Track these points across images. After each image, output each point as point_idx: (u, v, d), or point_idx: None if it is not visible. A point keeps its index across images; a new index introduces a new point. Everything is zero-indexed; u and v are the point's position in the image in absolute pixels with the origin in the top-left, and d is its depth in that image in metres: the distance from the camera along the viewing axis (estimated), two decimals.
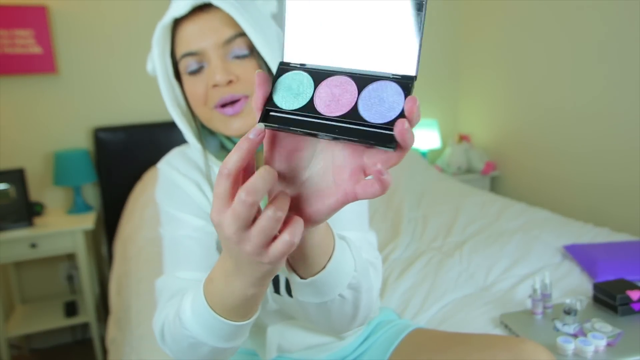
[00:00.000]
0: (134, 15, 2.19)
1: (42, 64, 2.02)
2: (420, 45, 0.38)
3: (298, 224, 0.39)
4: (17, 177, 1.92)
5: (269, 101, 0.41)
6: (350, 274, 0.55)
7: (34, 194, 2.14)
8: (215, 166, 0.78)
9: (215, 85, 0.70)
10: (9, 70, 1.98)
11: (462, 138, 2.93)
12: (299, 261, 0.50)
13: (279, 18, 0.66)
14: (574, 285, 1.38)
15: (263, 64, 0.72)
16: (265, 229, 0.38)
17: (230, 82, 0.70)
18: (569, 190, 2.36)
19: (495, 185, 2.86)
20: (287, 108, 0.40)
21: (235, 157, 0.38)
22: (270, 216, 0.38)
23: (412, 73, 0.38)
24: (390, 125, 0.36)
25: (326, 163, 0.41)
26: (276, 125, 0.40)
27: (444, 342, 0.83)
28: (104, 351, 2.01)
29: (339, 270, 0.53)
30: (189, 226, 0.75)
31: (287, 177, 0.42)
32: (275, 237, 0.40)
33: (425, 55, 2.88)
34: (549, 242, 1.66)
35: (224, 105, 0.71)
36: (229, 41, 0.70)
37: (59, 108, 2.14)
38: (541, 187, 2.52)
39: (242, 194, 0.37)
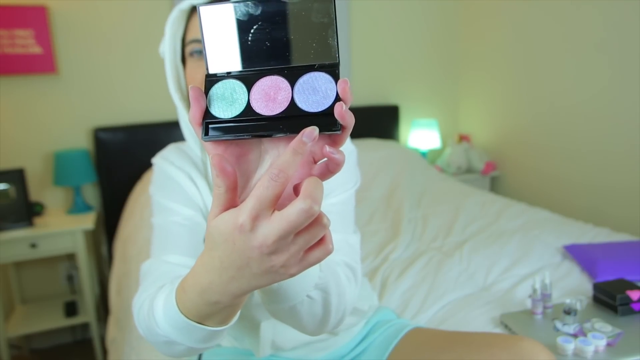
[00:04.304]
0: (134, 15, 2.19)
1: (42, 64, 2.02)
2: (337, 33, 0.40)
3: (328, 234, 0.40)
4: (17, 177, 1.92)
5: (206, 115, 0.41)
6: (315, 273, 0.55)
7: (34, 194, 2.14)
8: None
9: None
10: (9, 70, 1.98)
11: (462, 138, 2.93)
12: None
13: None
14: (574, 285, 1.38)
15: None
16: (317, 234, 0.38)
17: None
18: (569, 190, 2.36)
19: (495, 185, 2.86)
20: (226, 117, 0.41)
21: (292, 161, 0.36)
22: (326, 224, 0.38)
23: (335, 60, 0.40)
24: (329, 110, 0.39)
25: (274, 160, 0.42)
26: (223, 137, 0.40)
27: (443, 341, 0.83)
28: (104, 351, 2.01)
29: (300, 276, 0.53)
30: (180, 214, 0.77)
31: (240, 184, 0.42)
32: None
33: (425, 55, 2.89)
34: (549, 242, 1.66)
35: None
36: None
37: (59, 108, 2.14)
38: (541, 187, 2.52)
39: (306, 201, 0.35)
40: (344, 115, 0.38)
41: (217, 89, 0.42)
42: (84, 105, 2.18)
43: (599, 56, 2.14)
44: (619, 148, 2.09)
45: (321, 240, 0.40)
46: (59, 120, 2.14)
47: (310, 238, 0.38)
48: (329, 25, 0.40)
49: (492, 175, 2.79)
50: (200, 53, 0.74)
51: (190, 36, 0.75)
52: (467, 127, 3.04)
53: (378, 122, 2.74)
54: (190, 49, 0.75)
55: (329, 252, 0.40)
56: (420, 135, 2.78)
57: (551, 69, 2.39)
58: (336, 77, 0.40)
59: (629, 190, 2.06)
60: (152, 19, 2.22)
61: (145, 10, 2.21)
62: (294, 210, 0.35)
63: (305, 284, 0.54)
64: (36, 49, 2.00)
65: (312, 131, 0.37)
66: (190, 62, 0.76)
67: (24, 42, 1.98)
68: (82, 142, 2.19)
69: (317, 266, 0.55)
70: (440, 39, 2.92)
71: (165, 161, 0.82)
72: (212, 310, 0.47)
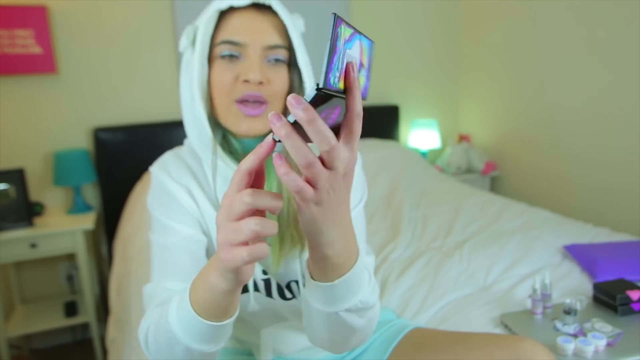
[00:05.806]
0: (134, 15, 2.19)
1: (42, 64, 2.02)
2: (329, 59, 0.40)
3: (263, 250, 0.45)
4: (17, 177, 1.93)
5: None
6: (365, 287, 0.58)
7: (34, 194, 2.14)
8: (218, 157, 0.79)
9: (246, 81, 0.72)
10: (9, 70, 1.98)
11: (462, 138, 2.93)
12: (324, 263, 0.52)
13: (304, 37, 0.80)
14: (574, 285, 1.38)
15: (296, 77, 0.78)
16: (250, 232, 0.44)
17: (261, 83, 0.73)
18: (569, 190, 2.36)
19: (495, 185, 2.86)
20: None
21: (253, 158, 0.46)
22: (247, 201, 0.45)
23: (321, 85, 0.40)
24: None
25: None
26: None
27: (443, 341, 0.83)
28: (104, 351, 2.01)
29: (358, 279, 0.56)
30: (179, 235, 0.75)
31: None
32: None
33: (426, 55, 2.89)
34: (549, 242, 1.66)
35: (243, 101, 0.74)
36: (272, 47, 0.74)
37: (59, 108, 2.14)
38: (541, 187, 2.52)
39: (246, 197, 0.45)
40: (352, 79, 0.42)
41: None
42: (84, 105, 2.18)
43: (599, 57, 2.14)
44: (618, 148, 2.09)
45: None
46: (59, 120, 2.14)
47: (251, 232, 0.45)
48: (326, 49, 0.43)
49: (492, 175, 2.79)
50: (231, 56, 0.73)
51: (223, 36, 0.74)
52: (467, 127, 3.04)
53: (378, 122, 2.74)
54: (221, 50, 0.73)
55: (248, 260, 0.45)
56: (420, 135, 2.78)
57: (551, 70, 2.39)
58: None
59: (629, 191, 2.06)
60: (153, 19, 2.22)
61: (146, 10, 2.21)
62: (242, 197, 0.45)
63: (355, 291, 0.56)
64: (36, 49, 2.00)
65: (269, 142, 0.44)
66: (219, 63, 0.74)
67: (24, 42, 1.98)
68: (82, 142, 2.19)
69: (367, 281, 0.59)
70: (440, 39, 2.92)
71: (163, 172, 0.80)
72: (210, 293, 0.52)
